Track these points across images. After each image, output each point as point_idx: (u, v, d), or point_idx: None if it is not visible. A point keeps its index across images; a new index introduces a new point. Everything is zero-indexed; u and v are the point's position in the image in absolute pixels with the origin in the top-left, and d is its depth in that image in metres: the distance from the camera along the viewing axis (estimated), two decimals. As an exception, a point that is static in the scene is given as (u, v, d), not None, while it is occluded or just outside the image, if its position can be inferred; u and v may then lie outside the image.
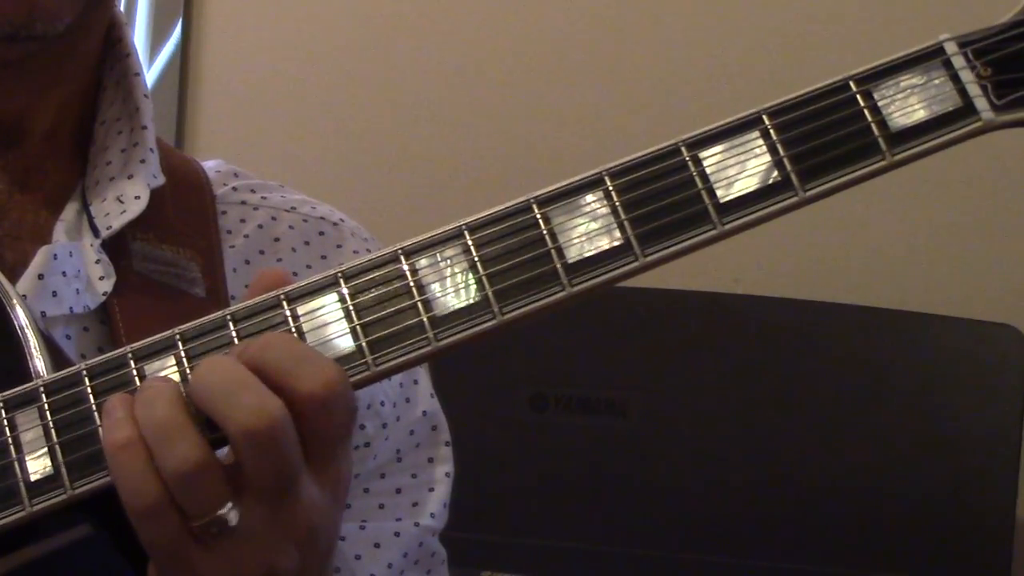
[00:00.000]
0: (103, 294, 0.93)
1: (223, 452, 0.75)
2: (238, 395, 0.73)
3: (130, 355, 0.78)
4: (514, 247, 0.77)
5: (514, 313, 0.77)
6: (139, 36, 2.20)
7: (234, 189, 1.07)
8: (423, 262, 0.78)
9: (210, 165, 1.09)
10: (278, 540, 0.75)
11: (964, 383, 1.72)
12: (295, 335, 0.77)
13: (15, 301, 0.82)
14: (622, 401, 1.71)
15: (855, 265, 1.98)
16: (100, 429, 0.76)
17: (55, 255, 0.92)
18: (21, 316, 0.82)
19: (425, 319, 0.77)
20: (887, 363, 1.74)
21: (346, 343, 0.77)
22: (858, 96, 0.77)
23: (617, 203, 0.77)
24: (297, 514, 0.75)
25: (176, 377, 0.77)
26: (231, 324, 0.78)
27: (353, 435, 0.78)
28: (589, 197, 0.78)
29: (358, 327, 0.77)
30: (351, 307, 0.77)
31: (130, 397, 0.76)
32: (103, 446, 0.75)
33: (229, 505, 0.73)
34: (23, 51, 0.92)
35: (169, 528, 0.74)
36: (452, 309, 0.77)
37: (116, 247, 0.95)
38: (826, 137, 0.77)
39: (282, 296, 0.78)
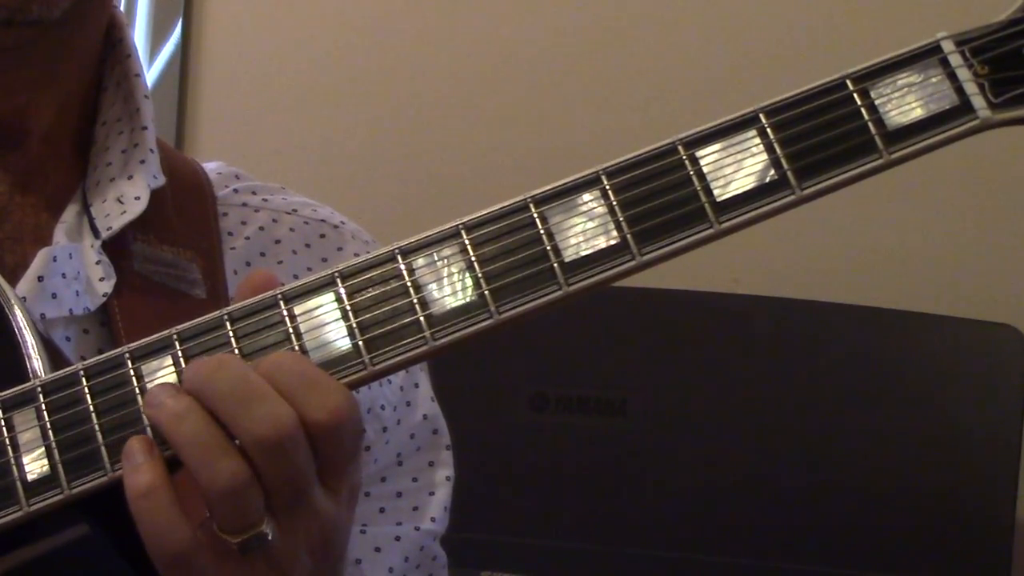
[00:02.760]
0: (103, 295, 0.92)
1: None
2: (252, 404, 0.73)
3: (127, 355, 0.78)
4: (511, 246, 0.77)
5: (511, 312, 0.77)
6: (139, 36, 2.20)
7: (235, 191, 1.07)
8: (420, 261, 0.78)
9: (211, 167, 1.09)
10: (295, 551, 0.75)
11: (964, 383, 1.72)
12: (303, 354, 0.77)
13: (14, 303, 0.82)
14: (622, 401, 1.71)
15: (855, 265, 1.98)
16: (123, 475, 0.75)
17: (54, 257, 0.92)
18: (20, 318, 0.82)
19: (422, 318, 0.77)
20: (887, 363, 1.74)
21: (343, 342, 0.77)
22: (855, 94, 0.77)
23: (614, 202, 0.77)
24: (312, 524, 0.75)
25: (173, 378, 0.77)
26: (228, 324, 0.78)
27: (362, 451, 0.78)
28: (586, 196, 0.78)
29: (355, 326, 0.77)
30: (348, 307, 0.77)
31: (149, 439, 0.75)
32: (126, 493, 0.74)
33: (267, 519, 0.74)
34: (20, 37, 0.92)
35: (197, 567, 0.74)
36: (449, 308, 0.77)
37: (117, 248, 0.95)
38: (823, 136, 0.77)
39: (279, 296, 0.78)
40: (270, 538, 0.73)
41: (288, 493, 0.74)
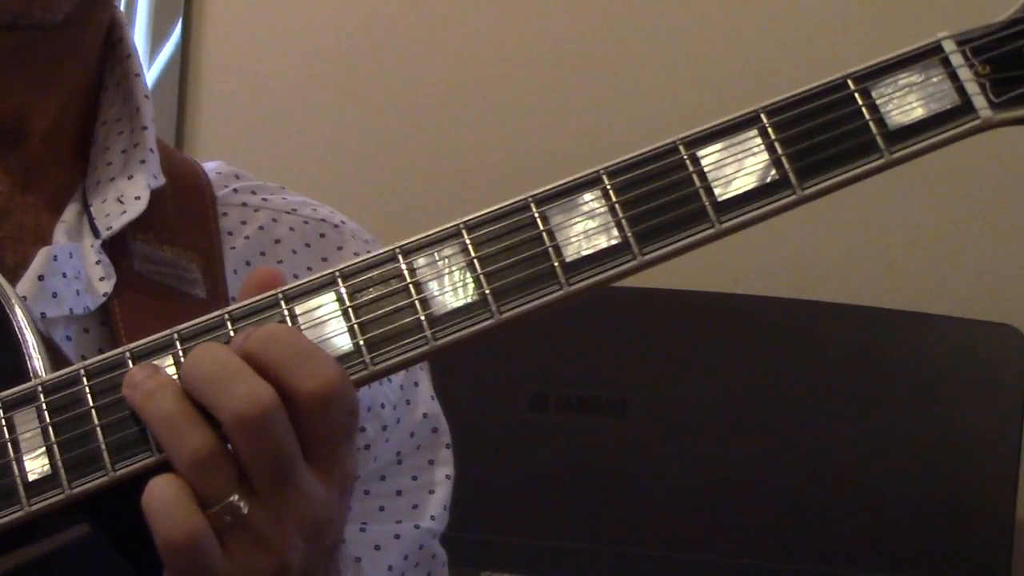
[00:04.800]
0: (103, 295, 0.93)
1: None
2: (229, 383, 0.73)
3: (128, 355, 0.78)
4: (512, 246, 0.77)
5: (512, 312, 0.77)
6: (139, 36, 2.20)
7: (235, 191, 1.07)
8: (421, 261, 0.78)
9: (211, 166, 1.09)
10: (286, 535, 0.75)
11: (964, 383, 1.72)
12: (298, 328, 0.77)
13: (15, 303, 0.82)
14: (622, 401, 1.71)
15: (855, 265, 1.98)
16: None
17: (55, 256, 0.92)
18: (20, 318, 0.82)
19: (423, 318, 0.77)
20: (887, 363, 1.74)
21: (344, 342, 0.77)
22: (856, 94, 0.78)
23: (615, 202, 0.77)
24: (301, 507, 0.75)
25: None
26: (229, 324, 0.78)
27: (356, 433, 0.78)
28: (587, 196, 0.78)
29: (356, 326, 0.77)
30: (349, 306, 0.77)
31: None
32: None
33: (237, 495, 0.74)
34: (21, 40, 0.92)
35: (204, 552, 0.73)
36: (450, 308, 0.77)
37: (116, 248, 0.95)
38: (824, 135, 0.77)
39: (280, 295, 0.78)
40: (244, 512, 0.73)
41: (271, 471, 0.74)
